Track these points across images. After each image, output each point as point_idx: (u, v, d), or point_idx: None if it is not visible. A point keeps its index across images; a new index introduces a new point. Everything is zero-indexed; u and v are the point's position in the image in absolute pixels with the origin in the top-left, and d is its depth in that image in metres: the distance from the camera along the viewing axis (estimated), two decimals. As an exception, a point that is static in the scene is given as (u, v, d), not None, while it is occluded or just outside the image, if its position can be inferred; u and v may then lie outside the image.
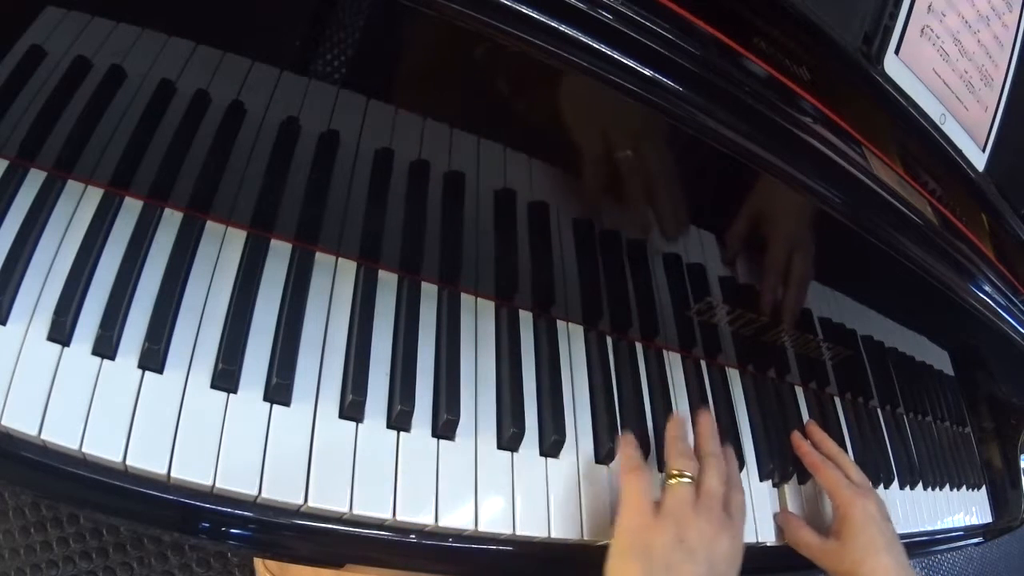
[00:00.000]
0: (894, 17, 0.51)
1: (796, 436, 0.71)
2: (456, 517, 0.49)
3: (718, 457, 0.58)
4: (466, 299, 0.57)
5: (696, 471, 0.55)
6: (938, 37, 0.54)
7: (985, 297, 0.62)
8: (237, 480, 0.42)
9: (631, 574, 0.49)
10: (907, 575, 0.61)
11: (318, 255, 0.53)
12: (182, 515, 0.42)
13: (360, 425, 0.48)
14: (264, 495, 0.43)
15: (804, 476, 0.69)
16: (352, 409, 0.48)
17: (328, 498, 0.45)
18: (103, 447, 0.40)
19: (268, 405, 0.46)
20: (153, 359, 0.43)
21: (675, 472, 0.55)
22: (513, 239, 0.54)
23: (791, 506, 0.68)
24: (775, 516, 0.67)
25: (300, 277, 0.51)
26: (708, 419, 0.61)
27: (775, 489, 0.68)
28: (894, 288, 0.64)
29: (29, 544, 0.86)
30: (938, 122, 0.55)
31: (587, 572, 0.55)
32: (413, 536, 0.48)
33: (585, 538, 0.53)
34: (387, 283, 0.54)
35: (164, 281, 0.46)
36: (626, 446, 0.57)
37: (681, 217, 0.54)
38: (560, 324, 0.61)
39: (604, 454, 0.57)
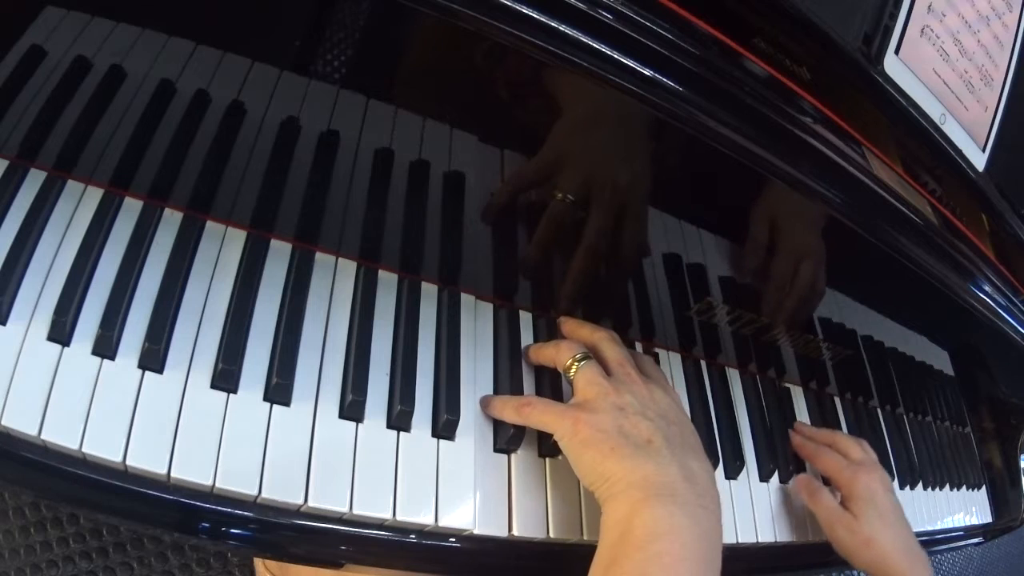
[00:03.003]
0: (894, 17, 0.51)
1: (792, 433, 0.71)
2: (456, 517, 0.49)
3: (607, 333, 0.56)
4: (466, 299, 0.57)
5: (585, 350, 0.53)
6: (938, 37, 0.54)
7: (985, 297, 0.62)
8: (237, 480, 0.42)
9: (601, 461, 0.47)
10: (917, 558, 0.62)
11: (318, 255, 0.53)
12: (182, 515, 0.42)
13: (360, 425, 0.48)
14: (264, 495, 0.43)
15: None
16: (352, 409, 0.48)
17: (328, 498, 0.45)
18: (103, 447, 0.40)
19: (268, 405, 0.46)
20: (153, 359, 0.43)
21: (570, 361, 0.52)
22: (513, 239, 0.54)
23: (792, 506, 0.68)
24: (797, 480, 0.67)
25: (300, 277, 0.51)
26: (568, 319, 0.59)
27: (779, 489, 0.68)
28: (894, 288, 0.64)
29: (29, 544, 0.86)
30: (938, 122, 0.55)
31: (586, 572, 0.55)
32: (413, 536, 0.48)
33: (585, 538, 0.53)
34: (387, 283, 0.54)
35: (164, 281, 0.46)
36: (498, 401, 0.53)
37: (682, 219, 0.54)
38: (560, 324, 0.61)
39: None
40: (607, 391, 0.50)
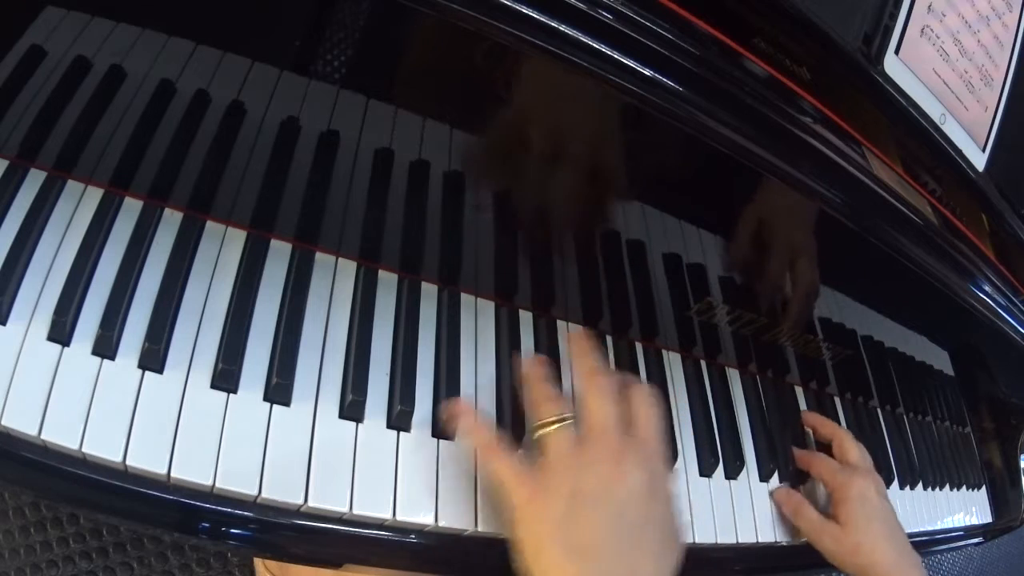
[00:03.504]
0: (894, 17, 0.51)
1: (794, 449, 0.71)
2: (456, 517, 0.49)
3: (598, 373, 0.49)
4: (466, 299, 0.57)
5: (570, 410, 0.47)
6: (938, 37, 0.54)
7: (985, 297, 0.62)
8: (237, 480, 0.42)
9: (538, 549, 0.43)
10: (907, 562, 0.61)
11: (318, 255, 0.53)
12: (182, 515, 0.42)
13: (360, 425, 0.48)
14: (264, 495, 0.43)
15: (805, 475, 0.69)
16: (352, 409, 0.48)
17: (328, 498, 0.45)
18: (103, 447, 0.40)
19: (268, 405, 0.46)
20: (153, 359, 0.43)
21: (546, 421, 0.47)
22: (513, 239, 0.54)
23: (791, 506, 0.68)
24: (772, 493, 0.66)
25: (300, 277, 0.51)
26: (577, 335, 0.53)
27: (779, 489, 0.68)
28: (894, 288, 0.64)
29: (29, 544, 0.86)
30: (938, 122, 0.55)
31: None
32: (413, 536, 0.48)
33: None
34: (387, 283, 0.54)
35: (164, 281, 0.46)
36: (464, 416, 0.48)
37: (680, 217, 0.54)
38: (560, 324, 0.61)
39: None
40: (568, 469, 0.45)
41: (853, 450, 0.68)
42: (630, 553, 0.44)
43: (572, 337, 0.54)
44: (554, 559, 0.43)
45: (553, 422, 0.46)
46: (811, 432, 0.73)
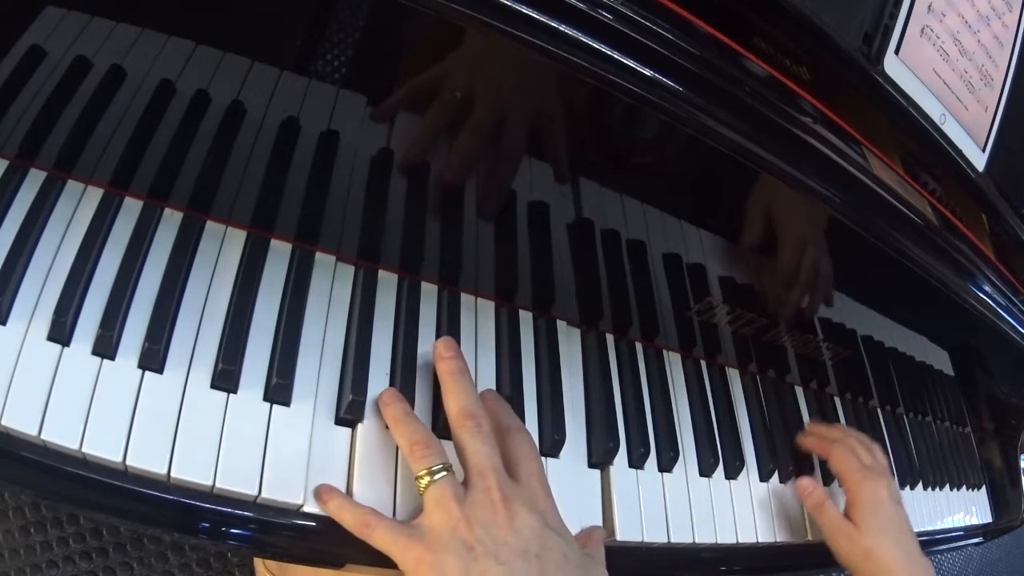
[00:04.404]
0: (894, 17, 0.51)
1: (800, 437, 0.71)
2: (456, 517, 0.48)
3: (471, 415, 0.46)
4: (466, 299, 0.57)
5: (443, 459, 0.44)
6: (938, 37, 0.54)
7: (985, 297, 0.62)
8: (237, 480, 0.42)
9: None
10: (918, 571, 0.61)
11: (318, 255, 0.53)
12: (182, 515, 0.42)
13: (360, 425, 0.48)
14: (264, 495, 0.43)
15: (805, 476, 0.69)
16: (352, 409, 0.48)
17: (328, 498, 0.45)
18: (103, 447, 0.40)
19: (268, 405, 0.46)
20: (153, 359, 0.43)
21: (423, 471, 0.44)
22: (513, 239, 0.54)
23: (792, 506, 0.68)
24: (800, 485, 0.65)
25: (300, 277, 0.51)
26: (442, 353, 0.49)
27: (779, 488, 0.68)
28: (894, 288, 0.64)
29: (29, 544, 0.86)
30: (938, 122, 0.55)
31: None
32: (413, 536, 0.48)
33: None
34: (387, 283, 0.54)
35: (164, 281, 0.46)
36: (341, 507, 0.44)
37: (680, 216, 0.54)
38: (560, 324, 0.61)
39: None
40: (456, 522, 0.42)
41: (864, 452, 0.67)
42: None
43: (437, 354, 0.49)
44: None
45: (432, 471, 0.44)
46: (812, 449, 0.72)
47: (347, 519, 0.43)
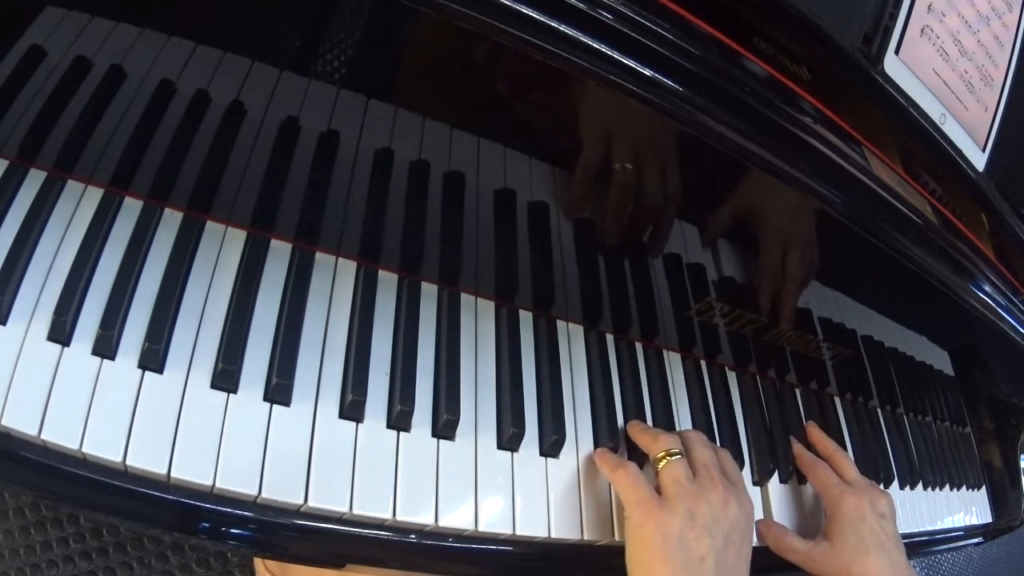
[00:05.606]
0: (894, 17, 0.51)
1: (793, 440, 0.71)
2: (456, 517, 0.49)
3: (694, 431, 0.58)
4: (466, 299, 0.57)
5: (680, 447, 0.54)
6: (938, 37, 0.54)
7: (985, 297, 0.62)
8: (237, 480, 0.42)
9: (651, 564, 0.49)
10: (902, 574, 0.60)
11: (318, 255, 0.53)
12: (182, 515, 0.42)
13: (360, 425, 0.48)
14: (264, 495, 0.43)
15: (804, 477, 0.69)
16: (352, 409, 0.48)
17: (328, 498, 0.45)
18: (103, 447, 0.40)
19: (268, 405, 0.46)
20: (153, 359, 0.43)
21: (662, 454, 0.54)
22: (513, 239, 0.54)
23: (791, 507, 0.68)
24: (757, 524, 0.63)
25: (300, 277, 0.51)
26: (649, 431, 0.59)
27: (778, 489, 0.68)
28: (894, 288, 0.64)
29: (29, 544, 0.86)
30: (938, 122, 0.55)
31: (587, 572, 0.55)
32: (413, 536, 0.48)
33: (585, 538, 0.53)
34: (387, 283, 0.54)
35: (164, 281, 0.46)
36: (601, 453, 0.56)
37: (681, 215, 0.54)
38: (560, 324, 0.61)
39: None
40: (686, 494, 0.51)
41: (849, 468, 0.66)
42: None
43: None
44: (668, 572, 0.48)
45: (668, 455, 0.53)
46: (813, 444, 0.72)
47: (603, 466, 0.54)
